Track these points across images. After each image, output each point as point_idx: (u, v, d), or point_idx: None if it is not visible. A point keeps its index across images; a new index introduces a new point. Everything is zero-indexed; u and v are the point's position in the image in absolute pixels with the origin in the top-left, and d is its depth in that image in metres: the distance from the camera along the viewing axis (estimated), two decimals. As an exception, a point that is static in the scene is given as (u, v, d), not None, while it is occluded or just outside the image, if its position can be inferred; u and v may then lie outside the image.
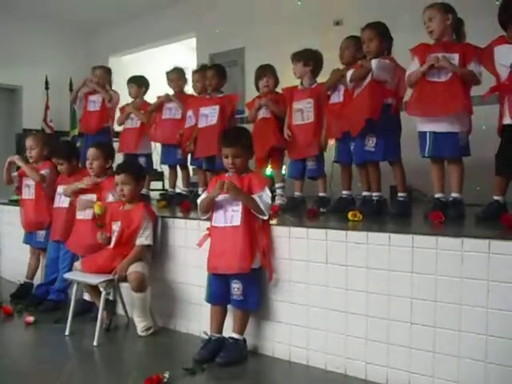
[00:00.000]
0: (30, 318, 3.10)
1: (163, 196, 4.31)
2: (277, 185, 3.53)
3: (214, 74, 3.80)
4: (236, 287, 2.46)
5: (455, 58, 2.61)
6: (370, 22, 2.93)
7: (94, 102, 4.36)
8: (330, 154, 3.39)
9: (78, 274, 2.92)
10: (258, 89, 3.64)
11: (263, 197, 2.49)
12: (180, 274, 3.00)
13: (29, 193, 3.67)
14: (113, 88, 4.51)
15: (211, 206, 2.58)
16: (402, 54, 2.88)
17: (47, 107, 6.80)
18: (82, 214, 3.23)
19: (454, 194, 2.72)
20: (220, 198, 2.53)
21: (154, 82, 4.43)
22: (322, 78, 3.38)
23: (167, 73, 4.21)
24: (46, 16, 6.71)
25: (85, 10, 6.51)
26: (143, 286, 2.81)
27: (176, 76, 4.16)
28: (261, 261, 2.50)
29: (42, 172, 3.59)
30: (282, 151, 3.53)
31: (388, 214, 2.96)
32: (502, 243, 1.92)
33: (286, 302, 2.52)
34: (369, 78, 2.86)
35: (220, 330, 2.55)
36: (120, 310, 3.26)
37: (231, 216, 2.50)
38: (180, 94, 4.15)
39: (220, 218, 2.54)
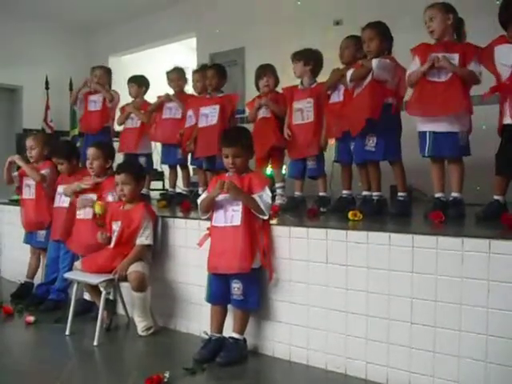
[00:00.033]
0: (31, 318, 3.10)
1: (163, 196, 4.31)
2: (277, 184, 3.53)
3: (215, 73, 3.80)
4: (236, 287, 2.46)
5: (455, 57, 2.61)
6: (371, 22, 2.93)
7: (95, 102, 4.35)
8: (330, 153, 3.39)
9: (78, 274, 2.92)
10: (258, 88, 3.64)
11: (263, 196, 2.49)
12: (180, 273, 3.00)
13: (29, 193, 3.67)
14: (113, 88, 4.50)
15: (211, 206, 2.58)
16: (403, 53, 2.88)
17: (47, 107, 6.80)
18: (83, 214, 3.23)
19: (454, 194, 2.72)
20: (220, 197, 2.53)
21: (154, 81, 4.43)
22: (322, 77, 3.38)
23: (167, 73, 4.21)
24: (46, 16, 6.71)
25: (85, 9, 6.50)
26: (143, 285, 2.82)
27: (176, 76, 4.16)
28: (261, 260, 2.50)
29: (43, 172, 3.60)
30: (282, 151, 3.53)
31: (388, 213, 2.96)
32: (503, 243, 1.92)
33: (286, 302, 2.52)
34: (369, 78, 2.86)
35: (220, 330, 2.55)
36: (120, 310, 3.27)
37: (231, 216, 2.50)
38: (180, 94, 4.15)
39: (220, 218, 2.54)
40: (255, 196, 2.48)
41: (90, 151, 3.26)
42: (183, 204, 3.54)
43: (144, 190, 3.83)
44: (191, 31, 6.28)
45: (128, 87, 4.35)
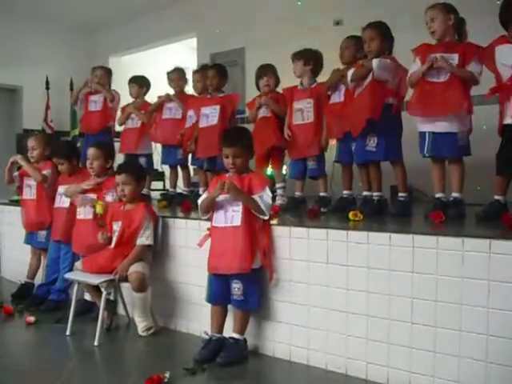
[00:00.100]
0: (31, 318, 3.10)
1: (164, 196, 4.32)
2: (277, 185, 3.53)
3: (215, 73, 3.80)
4: (236, 287, 2.46)
5: (454, 58, 2.61)
6: (372, 22, 2.92)
7: (95, 102, 4.36)
8: (331, 153, 3.39)
9: (78, 274, 2.93)
10: (258, 88, 3.64)
11: (264, 197, 2.49)
12: (180, 274, 3.01)
13: (30, 193, 3.67)
14: (113, 88, 4.50)
15: (212, 207, 2.58)
16: (403, 53, 2.88)
17: (48, 107, 6.81)
18: (83, 214, 3.23)
19: (455, 194, 2.72)
20: (220, 198, 2.53)
21: (154, 82, 4.44)
22: (322, 77, 3.38)
23: (168, 73, 4.21)
24: (46, 16, 6.71)
25: (85, 9, 6.51)
26: (144, 285, 2.82)
27: (176, 76, 4.17)
28: (261, 261, 2.50)
29: (44, 172, 3.60)
30: (282, 151, 3.53)
31: (388, 213, 2.96)
32: (503, 243, 1.92)
33: (286, 302, 2.52)
34: (370, 78, 2.85)
35: (220, 330, 2.55)
36: (121, 310, 3.27)
37: (232, 216, 2.50)
38: (180, 94, 4.15)
39: (220, 219, 2.54)
40: (255, 196, 2.48)
41: (90, 151, 3.26)
42: (184, 204, 3.54)
43: (144, 191, 3.83)
44: (191, 31, 6.28)
45: (129, 87, 4.35)
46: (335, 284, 2.34)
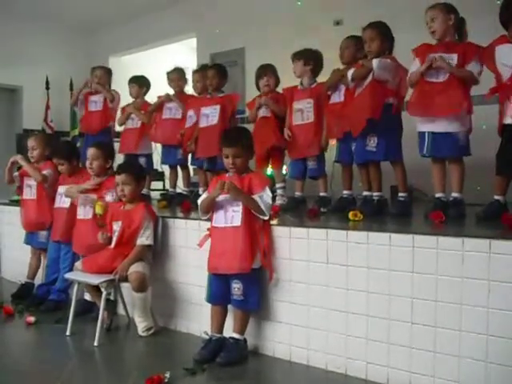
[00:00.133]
0: (31, 318, 3.10)
1: (164, 196, 4.32)
2: (277, 185, 3.53)
3: (215, 73, 3.80)
4: (236, 287, 2.46)
5: (453, 57, 2.61)
6: (372, 22, 2.92)
7: (95, 103, 4.35)
8: (331, 153, 3.39)
9: (78, 274, 2.93)
10: (258, 88, 3.64)
11: (264, 197, 2.49)
12: (180, 274, 3.01)
13: (30, 193, 3.67)
14: (113, 88, 4.50)
15: (212, 207, 2.58)
16: (403, 53, 2.88)
17: (47, 107, 6.81)
18: (83, 214, 3.23)
19: (455, 194, 2.72)
20: (220, 198, 2.53)
21: (154, 82, 4.44)
22: (322, 77, 3.38)
23: (168, 73, 4.21)
24: (46, 16, 6.71)
25: (85, 9, 6.51)
26: (144, 286, 2.82)
27: (176, 76, 4.16)
28: (261, 261, 2.50)
29: (44, 172, 3.59)
30: (282, 151, 3.53)
31: (388, 213, 2.96)
32: (503, 243, 1.92)
33: (286, 302, 2.52)
34: (370, 78, 2.85)
35: (220, 330, 2.55)
36: (121, 310, 3.27)
37: (232, 216, 2.50)
38: (180, 94, 4.15)
39: (220, 219, 2.54)
40: (255, 196, 2.48)
41: (90, 151, 3.26)
42: (183, 204, 3.54)
43: (144, 191, 3.83)
44: (191, 31, 6.28)
45: (129, 87, 4.35)
46: (335, 284, 2.34)
